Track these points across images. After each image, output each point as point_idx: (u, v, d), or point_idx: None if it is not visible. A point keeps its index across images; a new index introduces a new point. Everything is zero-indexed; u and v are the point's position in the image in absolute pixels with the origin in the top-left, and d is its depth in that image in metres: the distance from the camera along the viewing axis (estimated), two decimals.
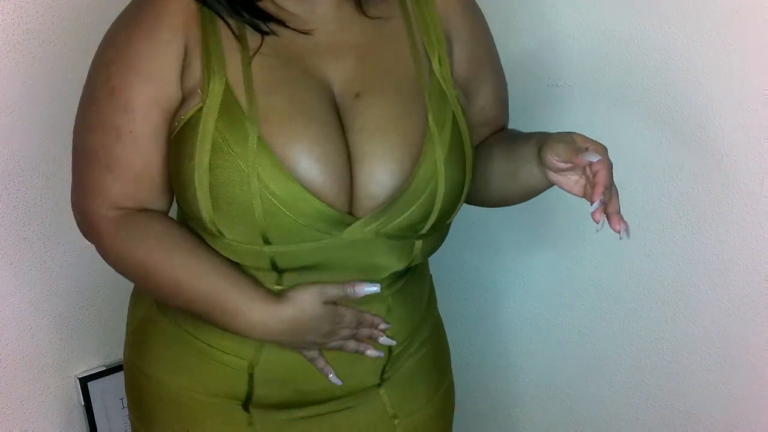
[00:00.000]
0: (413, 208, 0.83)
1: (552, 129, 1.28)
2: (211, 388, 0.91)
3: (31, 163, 1.29)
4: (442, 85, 0.87)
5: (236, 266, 0.84)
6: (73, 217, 1.37)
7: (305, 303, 0.82)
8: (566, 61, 1.23)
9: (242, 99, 0.80)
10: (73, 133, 0.88)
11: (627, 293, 1.27)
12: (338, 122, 0.82)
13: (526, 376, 1.48)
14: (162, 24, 0.82)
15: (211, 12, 0.82)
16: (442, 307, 1.58)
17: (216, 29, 0.82)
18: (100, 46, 0.86)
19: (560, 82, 1.25)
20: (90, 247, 1.41)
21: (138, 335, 0.98)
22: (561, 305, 1.37)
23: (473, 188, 0.92)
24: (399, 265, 0.87)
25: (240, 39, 0.82)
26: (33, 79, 1.25)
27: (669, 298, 1.23)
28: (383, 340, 0.88)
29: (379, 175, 0.82)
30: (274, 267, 0.83)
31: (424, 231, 0.86)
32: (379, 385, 0.95)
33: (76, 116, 0.88)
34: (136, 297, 1.01)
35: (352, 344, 0.87)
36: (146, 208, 0.86)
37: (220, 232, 0.81)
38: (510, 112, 1.31)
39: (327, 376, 0.88)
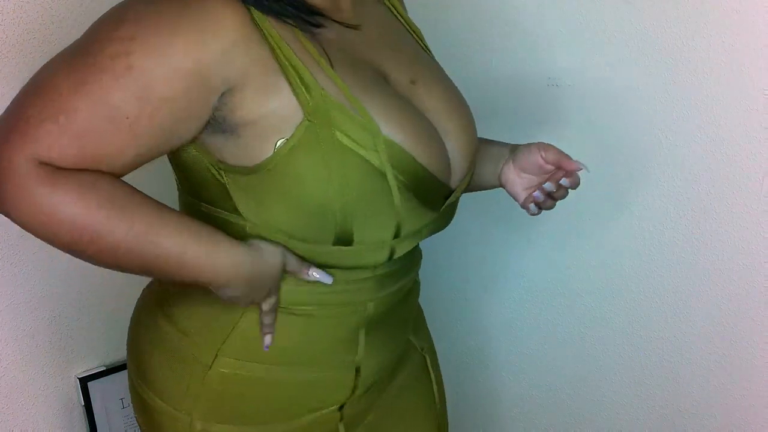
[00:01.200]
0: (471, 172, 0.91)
1: (552, 129, 1.29)
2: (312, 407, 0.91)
3: None
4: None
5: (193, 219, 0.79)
6: None
7: (271, 258, 0.80)
8: (566, 61, 1.23)
9: (346, 103, 0.76)
10: (49, 75, 0.73)
11: (627, 293, 1.27)
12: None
13: (526, 376, 1.48)
14: (217, 34, 0.72)
15: (265, 22, 0.75)
16: (443, 307, 1.58)
17: (280, 42, 0.75)
18: (119, 8, 0.74)
19: (560, 82, 1.25)
20: None
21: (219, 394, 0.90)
22: (561, 305, 1.37)
23: None
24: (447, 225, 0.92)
25: (314, 43, 0.78)
26: None
27: (669, 298, 1.23)
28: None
29: (465, 150, 0.88)
30: (389, 258, 0.84)
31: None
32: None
33: (61, 63, 0.73)
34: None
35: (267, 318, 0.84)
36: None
37: (348, 240, 0.80)
38: (510, 112, 1.31)
39: (265, 336, 0.85)
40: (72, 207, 0.71)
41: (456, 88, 0.93)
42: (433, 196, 0.85)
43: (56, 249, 1.22)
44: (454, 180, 0.88)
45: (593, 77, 1.21)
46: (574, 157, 1.26)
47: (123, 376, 1.52)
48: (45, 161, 0.69)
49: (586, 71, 1.22)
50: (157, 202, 0.77)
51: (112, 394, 1.52)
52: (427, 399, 1.07)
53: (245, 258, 0.78)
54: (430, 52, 0.96)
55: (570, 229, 1.32)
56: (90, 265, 1.52)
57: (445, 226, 0.92)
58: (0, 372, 1.37)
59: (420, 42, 0.95)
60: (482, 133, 1.39)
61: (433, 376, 1.08)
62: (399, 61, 0.87)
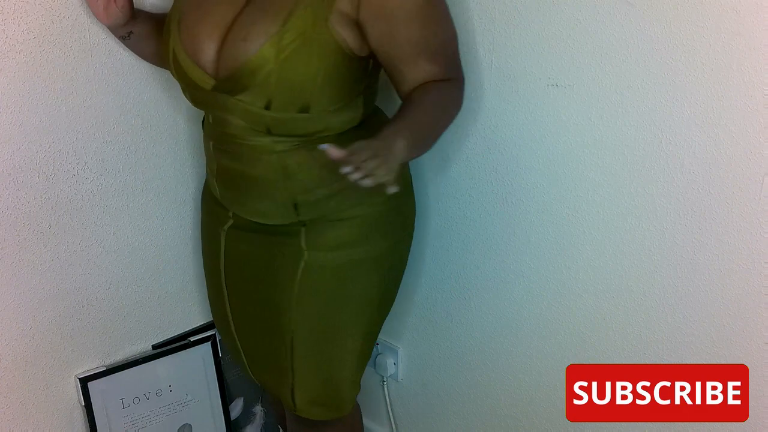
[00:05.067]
0: (249, 87, 1.13)
1: (552, 129, 1.29)
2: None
3: (31, 163, 1.29)
4: (317, 12, 1.11)
5: None
6: (72, 217, 1.37)
7: None
8: (566, 61, 1.23)
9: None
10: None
11: (627, 293, 1.27)
12: (239, 14, 1.16)
13: (527, 376, 1.48)
14: None
15: None
16: (443, 307, 1.58)
17: None
18: None
19: (560, 82, 1.25)
20: (90, 247, 1.41)
21: None
22: (561, 305, 1.37)
23: None
24: (251, 125, 1.18)
25: None
26: (33, 79, 1.25)
27: (669, 298, 1.23)
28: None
29: (230, 53, 1.14)
30: (192, 103, 1.26)
31: (270, 108, 1.15)
32: (302, 224, 1.26)
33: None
34: None
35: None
36: None
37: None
38: (510, 111, 1.31)
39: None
40: None
41: (267, 24, 1.13)
42: (193, 75, 1.18)
43: (55, 249, 1.28)
44: (220, 75, 1.16)
45: (593, 77, 1.21)
46: (577, 164, 1.26)
47: (123, 376, 1.53)
48: None
49: (586, 71, 1.22)
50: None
51: (112, 394, 1.52)
52: (285, 295, 1.28)
53: None
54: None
55: (570, 229, 1.32)
56: (90, 265, 1.54)
57: (233, 118, 1.19)
58: (0, 372, 1.37)
59: None
60: (483, 132, 1.39)
61: (298, 283, 1.27)
62: None
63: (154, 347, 1.60)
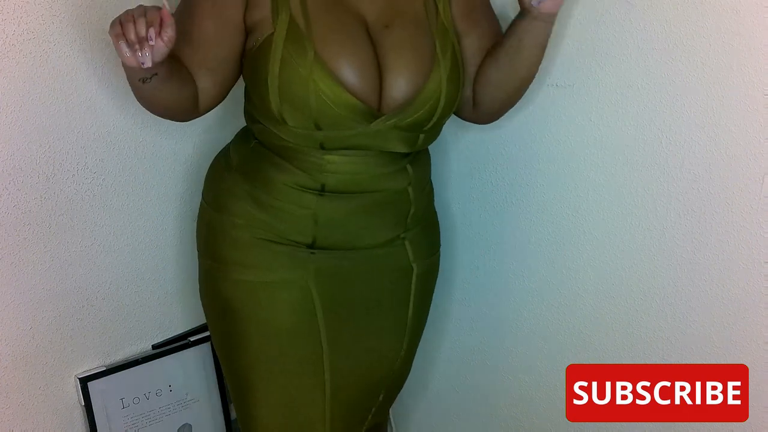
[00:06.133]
0: (422, 111, 1.13)
1: (552, 128, 1.29)
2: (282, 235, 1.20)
3: (31, 163, 1.29)
4: (445, 24, 1.17)
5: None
6: (72, 217, 1.37)
7: None
8: (566, 61, 1.23)
9: (302, 25, 1.09)
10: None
11: (627, 293, 1.27)
12: (371, 43, 1.12)
13: (527, 376, 1.48)
14: None
15: None
16: (442, 308, 1.58)
17: None
18: None
19: (560, 82, 1.25)
20: (90, 247, 1.41)
21: (217, 197, 1.25)
22: (561, 305, 1.37)
23: (488, 97, 1.22)
24: (406, 150, 1.17)
25: None
26: (33, 79, 1.25)
27: (669, 298, 1.23)
28: (153, 43, 0.98)
29: (399, 83, 1.12)
30: (322, 147, 1.13)
31: (426, 128, 1.16)
32: (404, 238, 1.26)
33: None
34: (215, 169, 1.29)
35: (123, 47, 0.98)
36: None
37: (284, 120, 1.11)
38: (510, 111, 1.31)
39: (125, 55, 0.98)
40: None
41: (427, 40, 1.15)
42: (354, 112, 1.09)
43: (55, 249, 1.27)
44: (386, 106, 1.12)
45: (593, 77, 1.21)
46: (577, 163, 1.26)
47: (123, 376, 1.53)
48: None
49: (586, 71, 1.22)
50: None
51: (112, 394, 1.52)
52: (400, 315, 1.30)
53: None
54: (437, 8, 1.17)
55: (570, 229, 1.32)
56: (90, 265, 1.53)
57: (384, 148, 1.15)
58: (0, 372, 1.37)
59: (434, 2, 1.17)
60: (483, 132, 1.40)
61: (412, 296, 1.30)
62: (381, 10, 1.14)
63: (154, 347, 1.60)
